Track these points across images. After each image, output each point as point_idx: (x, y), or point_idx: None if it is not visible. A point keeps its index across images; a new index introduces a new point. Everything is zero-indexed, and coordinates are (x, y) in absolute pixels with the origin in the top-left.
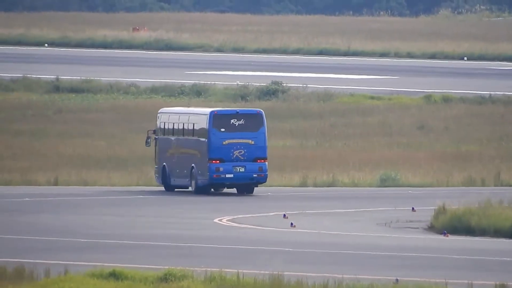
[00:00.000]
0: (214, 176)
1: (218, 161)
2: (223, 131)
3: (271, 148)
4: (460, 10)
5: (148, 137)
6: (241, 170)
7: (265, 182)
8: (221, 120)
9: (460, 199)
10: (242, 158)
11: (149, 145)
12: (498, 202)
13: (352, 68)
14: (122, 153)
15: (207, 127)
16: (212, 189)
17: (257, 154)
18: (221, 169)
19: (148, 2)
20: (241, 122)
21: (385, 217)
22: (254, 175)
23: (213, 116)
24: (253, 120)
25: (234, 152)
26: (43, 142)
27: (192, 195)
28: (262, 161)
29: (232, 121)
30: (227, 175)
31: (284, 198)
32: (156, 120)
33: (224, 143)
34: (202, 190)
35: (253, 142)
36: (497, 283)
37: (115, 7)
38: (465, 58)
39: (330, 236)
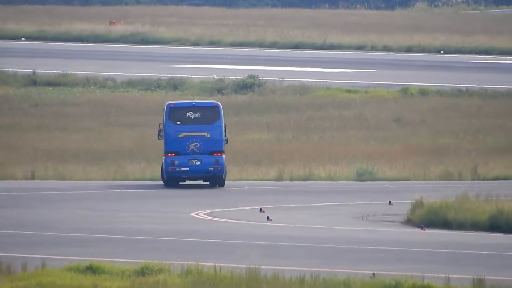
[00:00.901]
0: (170, 169)
1: (174, 154)
2: (178, 124)
3: (247, 142)
4: (436, 3)
5: (159, 130)
6: (197, 164)
7: (221, 175)
8: (177, 113)
9: (437, 192)
10: (198, 151)
11: (162, 138)
12: (475, 196)
13: (328, 62)
14: (99, 147)
15: (164, 120)
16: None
17: (213, 147)
18: (176, 162)
19: None
20: (197, 115)
21: (362, 211)
22: (210, 168)
23: (169, 109)
24: (210, 113)
25: (190, 145)
26: (19, 135)
27: (169, 189)
28: (219, 154)
29: (188, 114)
30: (183, 168)
31: (260, 192)
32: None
33: (179, 136)
34: (169, 184)
35: (209, 135)
36: (475, 277)
37: (91, 1)
38: (442, 51)
39: (306, 230)
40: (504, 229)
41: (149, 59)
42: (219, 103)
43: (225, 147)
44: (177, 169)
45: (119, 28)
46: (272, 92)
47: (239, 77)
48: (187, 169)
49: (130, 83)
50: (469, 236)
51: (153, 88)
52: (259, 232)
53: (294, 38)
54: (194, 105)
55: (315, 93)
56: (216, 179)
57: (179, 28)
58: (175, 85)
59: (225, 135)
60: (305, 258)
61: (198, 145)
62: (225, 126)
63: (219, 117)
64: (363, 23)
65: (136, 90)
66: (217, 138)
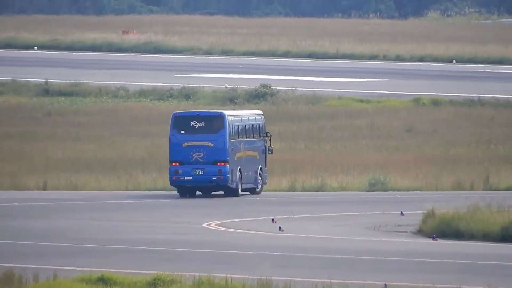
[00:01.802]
0: (174, 178)
1: (178, 164)
2: (183, 133)
3: None
4: (449, 13)
5: None
6: (200, 173)
7: (225, 185)
8: (181, 122)
9: (448, 203)
10: (202, 160)
11: None
12: (486, 206)
13: (340, 71)
14: (111, 156)
15: (169, 129)
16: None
17: (217, 157)
18: (180, 171)
19: (137, 5)
20: (202, 124)
21: (374, 221)
22: (213, 178)
23: (174, 118)
24: (214, 123)
25: (193, 155)
26: (32, 145)
27: (181, 199)
28: (222, 164)
29: (192, 123)
30: (186, 178)
31: (272, 202)
32: None
33: (183, 145)
34: (182, 193)
35: (212, 145)
36: (486, 287)
37: (104, 10)
38: (454, 61)
39: (318, 240)
40: None
41: (162, 69)
42: (224, 113)
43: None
44: (181, 178)
45: (132, 37)
46: (285, 101)
47: (252, 86)
48: (190, 178)
49: (142, 93)
50: (480, 247)
51: (165, 97)
52: (271, 243)
53: (307, 48)
54: (198, 114)
55: (327, 102)
56: (230, 190)
57: (192, 37)
58: (187, 94)
59: (270, 145)
60: (317, 269)
61: (202, 154)
62: (269, 135)
63: (223, 127)
64: (375, 32)
65: (148, 100)
66: (220, 147)
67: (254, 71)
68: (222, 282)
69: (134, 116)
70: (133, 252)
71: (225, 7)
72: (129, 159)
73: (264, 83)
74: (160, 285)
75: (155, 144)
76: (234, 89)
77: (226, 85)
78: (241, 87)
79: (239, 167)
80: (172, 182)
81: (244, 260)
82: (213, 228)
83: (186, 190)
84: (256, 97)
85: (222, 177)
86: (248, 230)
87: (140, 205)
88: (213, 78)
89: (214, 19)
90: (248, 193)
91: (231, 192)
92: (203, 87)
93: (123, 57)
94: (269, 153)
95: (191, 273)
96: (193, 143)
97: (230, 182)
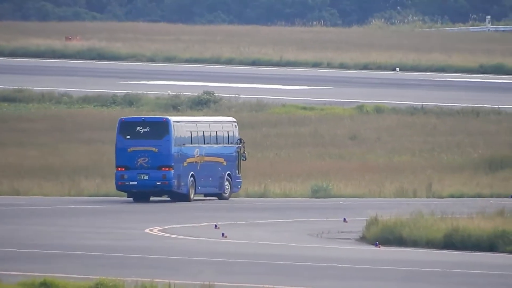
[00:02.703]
0: (119, 183)
1: (123, 169)
2: (128, 139)
3: None
4: (393, 21)
5: None
6: (145, 178)
7: (170, 190)
8: (127, 128)
9: (392, 210)
10: (146, 165)
11: None
12: (430, 213)
13: (284, 79)
14: (55, 162)
15: (116, 134)
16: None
17: (161, 162)
18: (125, 176)
19: (80, 12)
20: (147, 129)
21: (317, 228)
22: (158, 183)
23: (121, 124)
24: (159, 128)
25: (138, 160)
26: None
27: (125, 204)
28: (167, 169)
29: (137, 128)
30: (131, 182)
31: (215, 208)
32: None
33: (129, 150)
34: (135, 198)
35: (157, 150)
36: None
37: (48, 17)
38: (398, 68)
39: (261, 246)
40: (459, 246)
41: (105, 75)
42: (169, 119)
43: (244, 164)
44: (126, 183)
45: (76, 44)
46: (228, 108)
47: (195, 93)
48: (135, 183)
49: (86, 99)
50: (423, 254)
51: (108, 104)
52: (214, 249)
53: (251, 55)
54: (144, 120)
55: (271, 110)
56: (179, 195)
57: (135, 44)
58: (130, 101)
59: (243, 151)
60: (260, 275)
61: (147, 159)
62: (243, 142)
63: (168, 132)
64: (319, 40)
65: (92, 106)
66: (165, 152)
67: (198, 78)
68: (164, 287)
69: (78, 122)
70: (76, 257)
71: (168, 14)
72: (73, 165)
73: (207, 90)
74: None
75: (98, 151)
76: (177, 96)
77: (169, 91)
78: (184, 94)
79: (191, 173)
80: (118, 187)
81: (186, 266)
82: (156, 233)
83: (139, 195)
84: (199, 104)
85: (166, 182)
86: (190, 236)
87: (83, 211)
88: (157, 85)
89: (158, 26)
90: (215, 198)
91: (181, 198)
92: (146, 93)
93: (67, 64)
94: (242, 160)
95: (133, 279)
96: (138, 148)
97: (176, 187)
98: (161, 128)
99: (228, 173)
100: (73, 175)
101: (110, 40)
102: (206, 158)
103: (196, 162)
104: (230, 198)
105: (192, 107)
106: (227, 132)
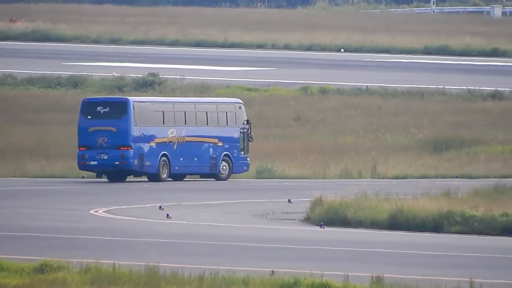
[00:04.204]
0: (81, 163)
1: (85, 148)
2: (89, 119)
3: None
4: (337, 2)
5: None
6: (104, 157)
7: (129, 169)
8: (89, 108)
9: (336, 191)
10: (106, 145)
11: None
12: (374, 194)
13: (229, 60)
14: None
15: (78, 114)
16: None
17: (120, 142)
18: (86, 156)
19: None
20: (107, 109)
21: (262, 209)
22: (117, 163)
23: (83, 104)
24: (118, 108)
25: (98, 140)
26: None
27: (71, 185)
28: (125, 148)
29: (98, 108)
30: (92, 162)
31: (160, 189)
32: None
33: (90, 130)
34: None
35: (115, 130)
36: (373, 274)
37: None
38: (342, 50)
39: (206, 227)
40: (404, 227)
41: (50, 57)
42: (128, 99)
43: (251, 146)
44: (87, 163)
45: (20, 25)
46: (173, 90)
47: (139, 75)
48: (95, 162)
49: (30, 81)
50: (368, 234)
51: (53, 85)
52: (159, 230)
53: (195, 36)
54: (104, 100)
55: (216, 91)
56: (146, 175)
57: (80, 26)
58: (75, 82)
59: (250, 132)
60: (204, 256)
61: (106, 139)
62: (250, 123)
63: (126, 112)
64: (263, 21)
65: (37, 88)
66: (123, 132)
67: (142, 60)
68: (109, 268)
69: (22, 104)
70: (20, 239)
71: None
72: (17, 147)
73: (152, 71)
74: (48, 271)
75: (43, 132)
76: (122, 78)
77: (114, 73)
78: (129, 76)
79: (162, 152)
80: (80, 167)
81: (131, 247)
82: (101, 214)
83: (113, 175)
84: (144, 85)
85: (125, 162)
86: (135, 217)
87: (27, 192)
88: (101, 67)
89: (103, 8)
90: (213, 179)
91: (152, 178)
92: (91, 75)
93: (11, 45)
94: (250, 141)
95: (78, 260)
96: (98, 128)
97: (137, 167)
98: (120, 108)
99: (226, 154)
100: (18, 156)
101: (54, 21)
102: (188, 139)
103: (170, 142)
104: (229, 179)
105: (137, 88)
106: (225, 114)
